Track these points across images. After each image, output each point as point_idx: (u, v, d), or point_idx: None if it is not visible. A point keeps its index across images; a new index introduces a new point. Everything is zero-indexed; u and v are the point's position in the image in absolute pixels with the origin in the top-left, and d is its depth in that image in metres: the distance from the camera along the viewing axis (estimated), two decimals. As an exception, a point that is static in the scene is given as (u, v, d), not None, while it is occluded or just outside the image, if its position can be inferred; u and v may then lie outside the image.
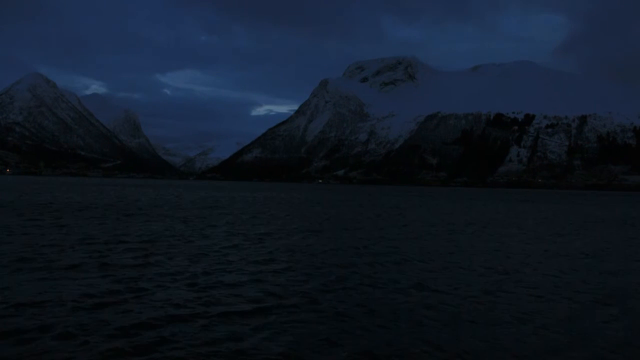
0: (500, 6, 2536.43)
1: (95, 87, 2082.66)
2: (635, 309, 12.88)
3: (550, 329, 10.78)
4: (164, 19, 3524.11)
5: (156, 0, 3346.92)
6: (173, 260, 17.42)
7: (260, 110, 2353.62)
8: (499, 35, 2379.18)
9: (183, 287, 13.45)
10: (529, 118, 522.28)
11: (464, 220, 40.78)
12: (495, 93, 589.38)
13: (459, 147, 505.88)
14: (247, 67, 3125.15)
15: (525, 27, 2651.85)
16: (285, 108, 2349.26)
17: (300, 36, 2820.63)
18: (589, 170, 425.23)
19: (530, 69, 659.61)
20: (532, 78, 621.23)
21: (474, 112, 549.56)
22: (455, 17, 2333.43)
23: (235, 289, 13.33)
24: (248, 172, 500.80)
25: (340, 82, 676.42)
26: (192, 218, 35.35)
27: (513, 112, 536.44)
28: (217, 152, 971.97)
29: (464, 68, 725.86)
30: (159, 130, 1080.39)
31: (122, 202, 54.52)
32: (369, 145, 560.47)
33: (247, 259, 18.11)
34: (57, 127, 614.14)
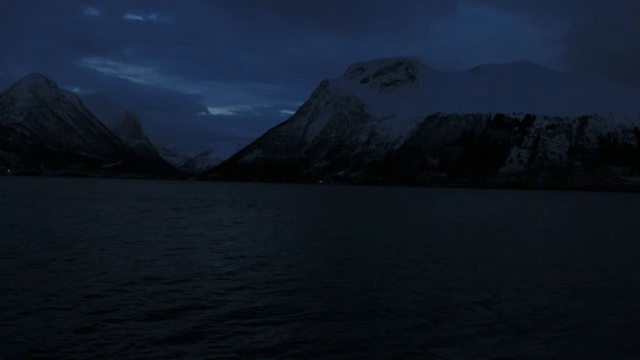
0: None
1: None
2: None
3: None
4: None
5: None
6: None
7: (215, 110, 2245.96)
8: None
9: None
10: (530, 119, 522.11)
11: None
12: (496, 94, 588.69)
13: (459, 148, 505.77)
14: (161, 51, 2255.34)
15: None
16: (250, 106, 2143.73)
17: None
18: (590, 171, 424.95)
19: (531, 69, 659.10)
20: (533, 79, 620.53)
21: (474, 113, 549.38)
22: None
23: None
24: (248, 173, 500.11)
25: (340, 82, 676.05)
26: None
27: (514, 113, 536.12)
28: (217, 153, 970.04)
29: (464, 69, 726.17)
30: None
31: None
32: (369, 146, 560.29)
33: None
34: (58, 128, 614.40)
